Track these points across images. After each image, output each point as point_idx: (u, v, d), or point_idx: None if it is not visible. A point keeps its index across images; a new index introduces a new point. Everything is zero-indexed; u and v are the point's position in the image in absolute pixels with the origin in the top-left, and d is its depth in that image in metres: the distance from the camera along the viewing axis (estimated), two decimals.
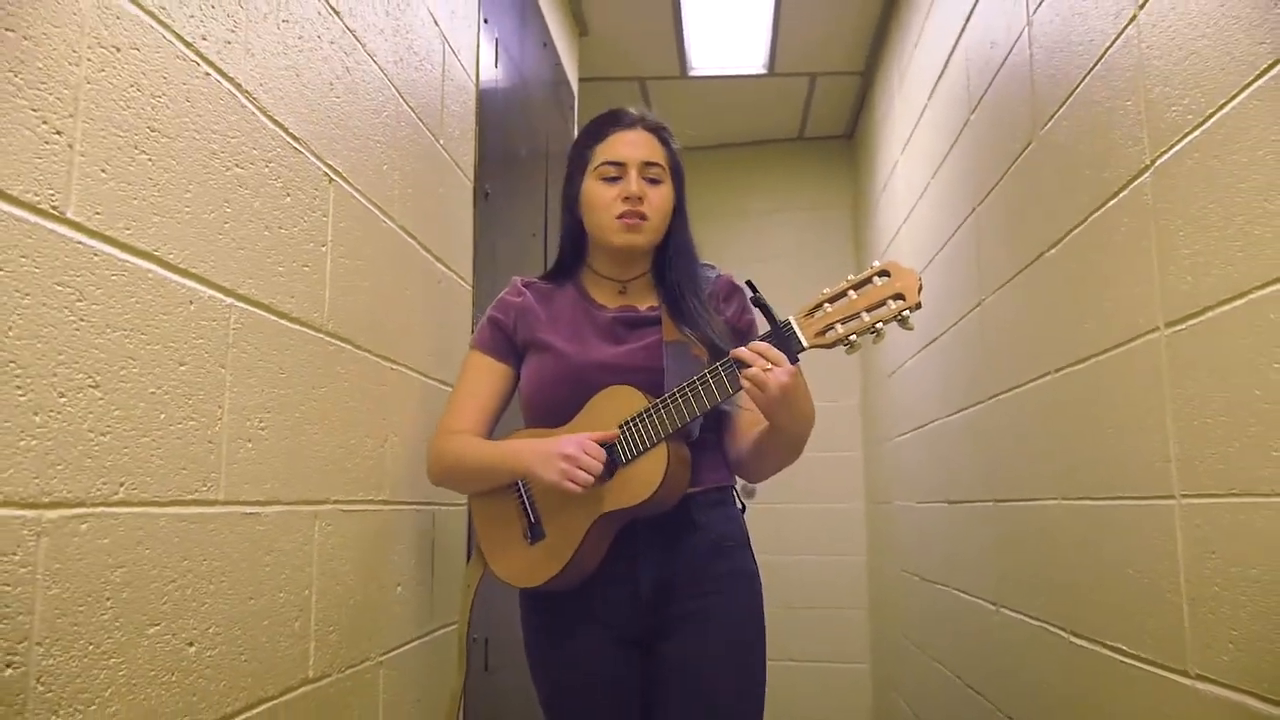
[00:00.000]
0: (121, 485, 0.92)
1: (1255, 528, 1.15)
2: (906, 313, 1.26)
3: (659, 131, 1.58)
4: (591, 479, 1.36)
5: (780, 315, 1.34)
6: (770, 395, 1.28)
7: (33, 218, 0.81)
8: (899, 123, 3.48)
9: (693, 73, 4.07)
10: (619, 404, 1.42)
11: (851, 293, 1.29)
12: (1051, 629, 1.86)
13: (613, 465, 1.40)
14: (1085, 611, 1.70)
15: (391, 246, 1.65)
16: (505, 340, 1.57)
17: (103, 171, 0.90)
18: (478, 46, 2.25)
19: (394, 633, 1.63)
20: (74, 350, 0.86)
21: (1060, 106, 1.77)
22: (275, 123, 1.24)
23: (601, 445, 1.39)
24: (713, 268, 1.63)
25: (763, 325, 1.41)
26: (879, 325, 1.27)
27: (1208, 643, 1.27)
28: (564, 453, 1.36)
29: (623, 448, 1.40)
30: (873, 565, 4.34)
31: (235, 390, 1.13)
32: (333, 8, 1.43)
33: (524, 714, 2.11)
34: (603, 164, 1.52)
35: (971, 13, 2.41)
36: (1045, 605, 1.92)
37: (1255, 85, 1.13)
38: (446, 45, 2.00)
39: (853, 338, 1.28)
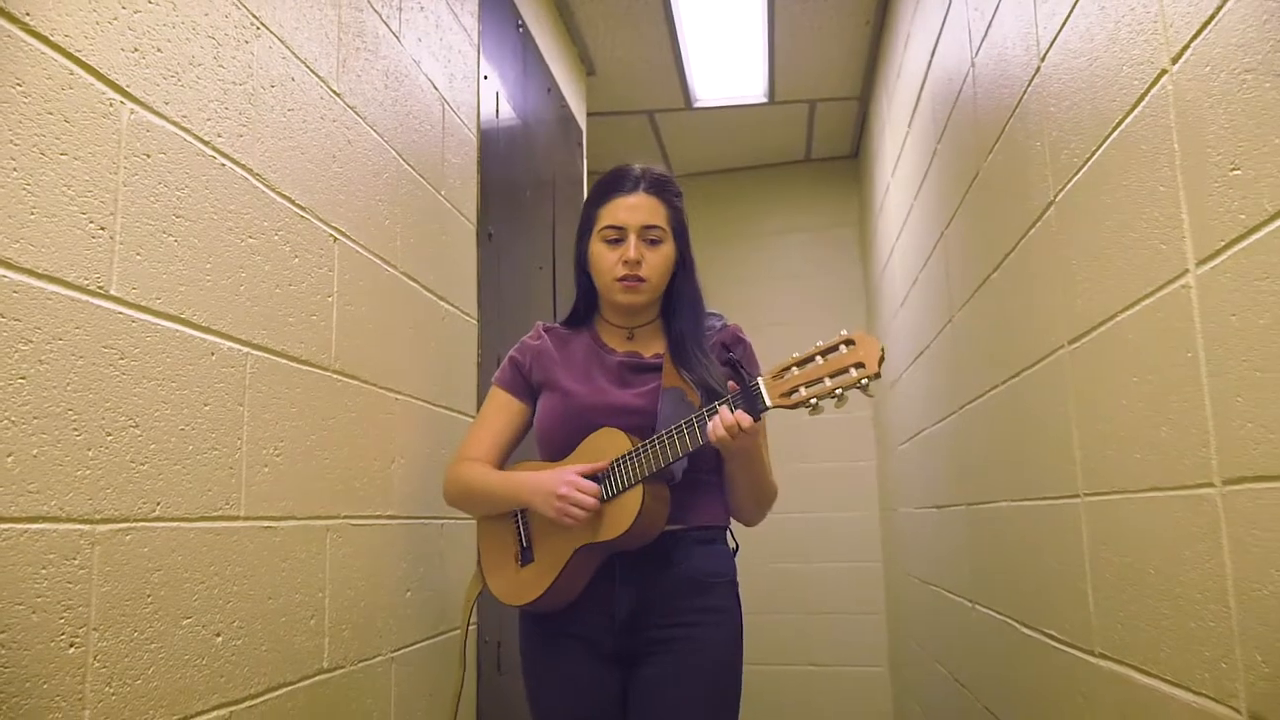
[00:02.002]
0: (158, 504, 1.15)
1: (1128, 521, 1.32)
2: (865, 381, 1.33)
3: (661, 193, 1.65)
4: (585, 514, 1.47)
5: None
6: (729, 447, 1.44)
7: (83, 296, 1.04)
8: (889, 146, 3.65)
9: (697, 104, 4.28)
10: (607, 445, 1.53)
11: (819, 358, 1.37)
12: (1010, 621, 2.02)
13: (598, 500, 1.50)
14: (1029, 603, 1.86)
15: (394, 291, 1.88)
16: (522, 379, 1.71)
17: (137, 255, 1.13)
18: (478, 102, 2.48)
19: (404, 633, 1.84)
20: (118, 398, 1.09)
21: (995, 142, 1.94)
22: (283, 196, 1.47)
23: (593, 477, 1.51)
24: (720, 317, 1.72)
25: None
26: (839, 391, 1.35)
27: (1107, 624, 1.43)
28: (558, 492, 1.48)
29: (607, 485, 1.50)
30: (887, 571, 4.48)
31: (252, 424, 1.36)
32: (334, 90, 1.66)
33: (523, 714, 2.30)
34: (605, 228, 1.63)
35: (935, 48, 2.59)
36: (1005, 600, 2.08)
37: (1111, 136, 1.31)
38: (446, 106, 2.23)
39: (815, 400, 1.36)
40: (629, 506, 1.47)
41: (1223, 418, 1.03)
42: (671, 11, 3.50)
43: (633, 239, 1.61)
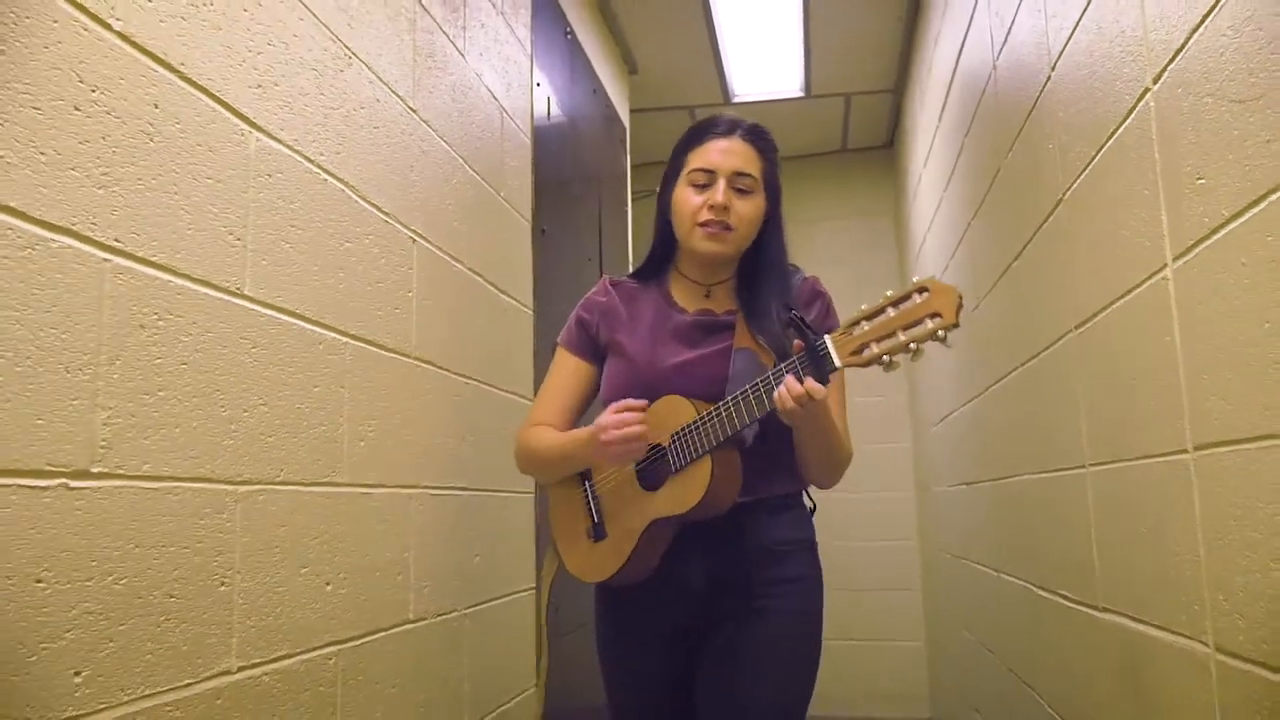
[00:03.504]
0: (281, 470, 1.36)
1: (1125, 488, 1.48)
2: (943, 332, 1.22)
3: (757, 140, 1.56)
4: (638, 438, 1.39)
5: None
6: (793, 415, 1.32)
7: (225, 296, 1.25)
8: (920, 138, 3.79)
9: (735, 99, 4.43)
10: (670, 414, 1.46)
11: (890, 310, 1.26)
12: (1029, 586, 2.18)
13: (665, 473, 1.46)
14: (1045, 567, 2.03)
15: (462, 285, 2.08)
16: (588, 339, 1.63)
17: (264, 260, 1.34)
18: (531, 108, 2.67)
19: (474, 593, 2.05)
20: (251, 381, 1.30)
21: (1014, 140, 2.09)
22: (371, 204, 1.68)
23: (654, 451, 1.46)
24: (798, 269, 1.62)
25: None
26: (914, 345, 1.24)
27: (1109, 581, 1.59)
28: (601, 439, 1.41)
29: (674, 456, 1.44)
30: (923, 548, 4.63)
31: (351, 404, 1.57)
32: (410, 108, 1.86)
33: (589, 675, 2.51)
34: (694, 170, 1.52)
35: (961, 48, 2.73)
36: (1024, 567, 2.24)
37: (1108, 143, 1.46)
38: (504, 113, 2.43)
39: (887, 357, 1.26)
40: (699, 478, 1.41)
41: (1193, 392, 1.19)
42: (710, 10, 3.66)
43: (722, 183, 1.50)
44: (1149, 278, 1.31)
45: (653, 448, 1.47)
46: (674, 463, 1.44)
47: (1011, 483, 2.33)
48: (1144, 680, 1.43)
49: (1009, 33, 2.11)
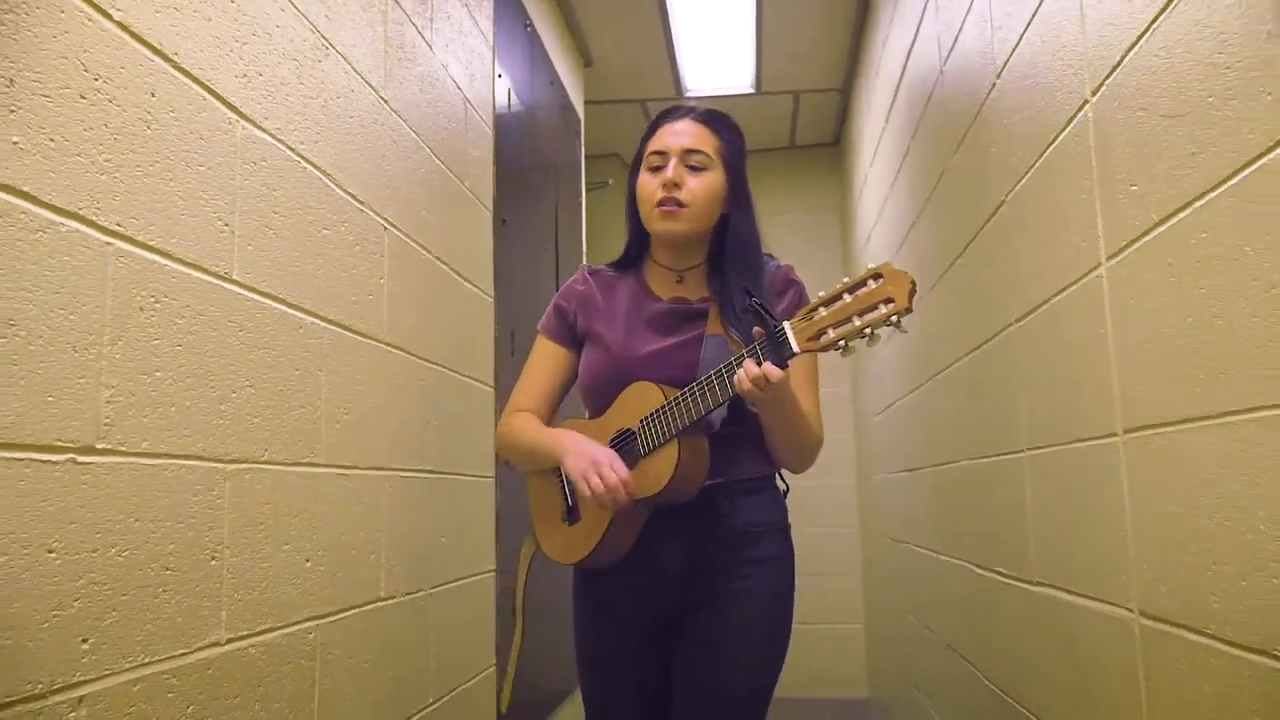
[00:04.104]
0: (266, 450, 1.40)
1: (1059, 470, 1.60)
2: (896, 317, 1.25)
3: (710, 121, 1.60)
4: (609, 499, 1.43)
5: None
6: (755, 397, 1.37)
7: (216, 280, 1.29)
8: (867, 138, 3.91)
9: (688, 94, 4.51)
10: (638, 401, 1.51)
11: (846, 296, 1.29)
12: (967, 565, 2.31)
13: (635, 456, 1.50)
14: (983, 547, 2.15)
15: (429, 273, 2.13)
16: (566, 327, 1.67)
17: (250, 246, 1.37)
18: (493, 98, 2.72)
19: (439, 573, 2.10)
20: (239, 363, 1.34)
21: (960, 144, 2.21)
22: (347, 192, 1.71)
23: (624, 434, 1.51)
24: (772, 258, 1.65)
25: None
26: (869, 330, 1.27)
27: (1043, 558, 1.71)
28: (590, 475, 1.44)
29: (643, 440, 1.49)
30: (864, 534, 4.79)
31: (329, 387, 1.61)
32: (383, 98, 1.90)
33: (553, 660, 2.58)
34: (649, 154, 1.58)
35: (909, 53, 2.84)
36: (964, 547, 2.36)
37: (1048, 151, 1.57)
38: (468, 104, 2.47)
39: (844, 342, 1.29)
40: (666, 461, 1.45)
41: (1123, 380, 1.31)
42: (665, 6, 3.73)
43: (673, 161, 1.55)
44: (1085, 275, 1.42)
45: (624, 432, 1.53)
46: (642, 446, 1.49)
47: (953, 468, 2.45)
48: (1076, 647, 1.55)
49: (956, 41, 2.22)
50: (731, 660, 1.51)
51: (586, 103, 4.29)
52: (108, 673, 1.04)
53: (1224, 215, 1.03)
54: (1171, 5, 1.13)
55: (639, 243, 1.68)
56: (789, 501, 1.65)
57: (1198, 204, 1.08)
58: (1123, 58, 1.26)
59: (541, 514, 1.66)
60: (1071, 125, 1.46)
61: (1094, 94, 1.37)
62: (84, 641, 1.01)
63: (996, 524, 2.01)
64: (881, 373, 3.75)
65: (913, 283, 1.25)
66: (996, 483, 2.00)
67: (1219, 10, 1.03)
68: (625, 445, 1.54)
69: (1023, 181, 1.72)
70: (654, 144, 1.59)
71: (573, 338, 1.67)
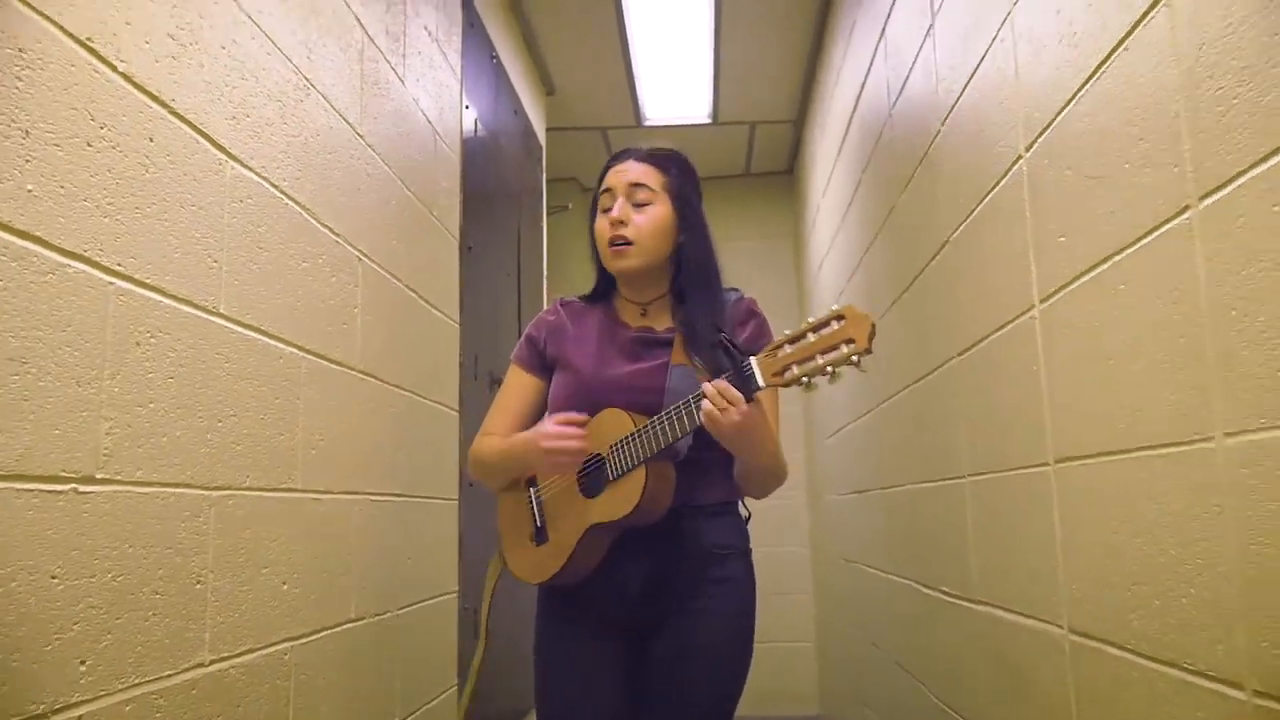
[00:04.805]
0: (247, 476, 1.46)
1: (998, 496, 1.71)
2: (856, 358, 1.31)
3: (653, 158, 1.67)
4: (576, 451, 1.51)
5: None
6: (722, 430, 1.40)
7: (205, 315, 1.35)
8: (820, 170, 4.06)
9: (647, 123, 4.63)
10: (610, 426, 1.55)
11: (810, 335, 1.34)
12: (914, 585, 2.42)
13: (604, 480, 1.55)
14: (929, 567, 2.26)
15: (398, 301, 2.19)
16: (537, 355, 1.72)
17: (236, 280, 1.43)
18: (461, 129, 2.79)
19: (405, 594, 2.16)
20: (225, 393, 1.40)
21: (907, 183, 2.33)
22: (324, 225, 1.78)
23: (594, 460, 1.55)
24: (736, 290, 1.71)
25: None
26: (831, 368, 1.32)
27: (983, 578, 1.82)
28: (543, 446, 1.52)
29: (612, 466, 1.53)
30: (815, 554, 4.91)
31: (305, 414, 1.66)
32: (358, 133, 1.97)
33: (512, 679, 2.62)
34: (600, 194, 1.68)
35: (860, 93, 2.98)
36: (911, 567, 2.48)
37: (987, 198, 1.69)
38: (437, 136, 2.54)
39: (806, 379, 1.34)
40: (633, 487, 1.50)
41: (1054, 413, 1.42)
42: (626, 37, 3.84)
43: (619, 200, 1.63)
44: (1019, 315, 1.54)
45: (594, 457, 1.57)
46: (611, 472, 1.54)
47: (901, 491, 2.57)
48: (1012, 662, 1.66)
49: (904, 85, 2.35)
50: (694, 679, 1.56)
51: (549, 129, 4.38)
52: (103, 693, 1.09)
53: (1137, 271, 1.15)
54: (1096, 76, 1.25)
55: (606, 279, 1.74)
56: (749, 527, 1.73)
57: (1116, 258, 1.20)
58: (1052, 119, 1.39)
59: (510, 533, 1.70)
60: (1008, 176, 1.58)
61: (1028, 150, 1.49)
62: (82, 663, 1.06)
63: (942, 546, 2.13)
64: (833, 396, 3.88)
65: (873, 326, 1.31)
66: (941, 506, 2.12)
67: (1135, 86, 1.15)
68: (595, 471, 1.59)
69: (965, 224, 1.84)
70: (604, 185, 1.68)
71: (543, 366, 1.72)
